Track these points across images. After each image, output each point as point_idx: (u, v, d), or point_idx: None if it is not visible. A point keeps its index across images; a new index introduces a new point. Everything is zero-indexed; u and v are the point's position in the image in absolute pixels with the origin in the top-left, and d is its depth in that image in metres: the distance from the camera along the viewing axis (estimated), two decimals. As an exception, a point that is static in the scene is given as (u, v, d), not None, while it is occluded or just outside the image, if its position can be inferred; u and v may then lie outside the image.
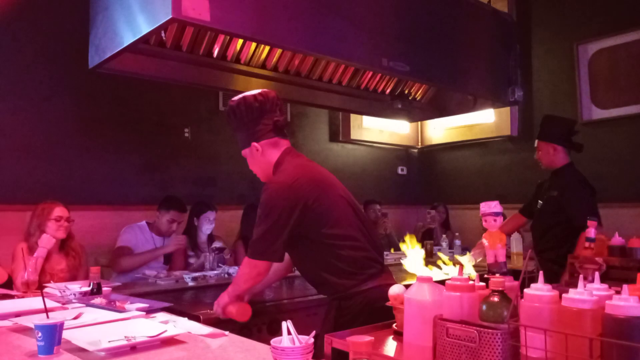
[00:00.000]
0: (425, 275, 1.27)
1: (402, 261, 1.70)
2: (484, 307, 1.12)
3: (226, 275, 2.85)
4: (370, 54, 2.66)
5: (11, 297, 2.25)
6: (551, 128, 3.12)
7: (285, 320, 1.18)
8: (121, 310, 1.87)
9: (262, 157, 1.92)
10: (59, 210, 2.70)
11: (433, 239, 4.43)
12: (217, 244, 3.30)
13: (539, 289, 1.10)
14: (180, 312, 1.90)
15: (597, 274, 1.18)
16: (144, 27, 2.08)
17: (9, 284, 2.63)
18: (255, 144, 1.90)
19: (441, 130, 5.54)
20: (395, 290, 1.50)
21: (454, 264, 1.71)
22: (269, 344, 1.17)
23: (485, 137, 5.04)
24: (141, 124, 3.83)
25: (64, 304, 2.04)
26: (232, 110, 1.93)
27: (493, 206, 1.37)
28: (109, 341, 1.43)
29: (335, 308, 1.85)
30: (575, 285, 1.09)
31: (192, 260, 3.31)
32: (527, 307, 1.10)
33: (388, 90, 3.70)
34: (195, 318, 1.85)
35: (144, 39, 2.22)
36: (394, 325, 1.48)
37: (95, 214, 3.53)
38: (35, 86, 3.37)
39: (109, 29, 2.34)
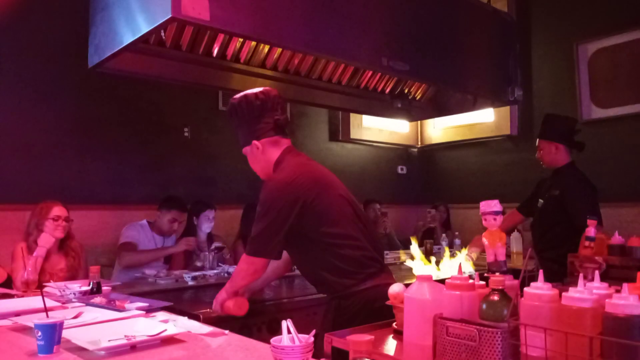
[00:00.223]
0: (425, 274, 1.27)
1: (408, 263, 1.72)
2: (484, 306, 1.12)
3: (226, 275, 2.85)
4: (370, 53, 2.66)
5: (11, 296, 2.25)
6: (553, 127, 3.11)
7: (285, 319, 1.18)
8: (121, 309, 1.87)
9: (263, 155, 1.92)
10: (57, 210, 2.70)
11: (433, 239, 4.43)
12: (216, 244, 3.31)
13: (539, 288, 1.10)
14: (180, 312, 1.90)
15: (597, 273, 1.18)
16: (144, 27, 2.07)
17: (8, 283, 2.63)
18: (255, 142, 1.90)
19: (441, 129, 5.54)
20: (395, 289, 1.50)
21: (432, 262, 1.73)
22: (268, 343, 1.17)
23: (485, 137, 5.04)
24: (141, 124, 3.83)
25: (63, 303, 2.04)
26: (234, 108, 1.93)
27: (493, 205, 1.37)
28: (109, 340, 1.43)
29: (334, 307, 1.85)
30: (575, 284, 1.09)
31: (198, 264, 3.28)
32: (527, 305, 1.10)
33: (388, 90, 3.70)
34: (195, 317, 1.85)
35: (144, 39, 2.21)
36: (394, 324, 1.48)
37: (95, 214, 3.53)
38: (34, 86, 3.36)
39: (109, 29, 2.33)
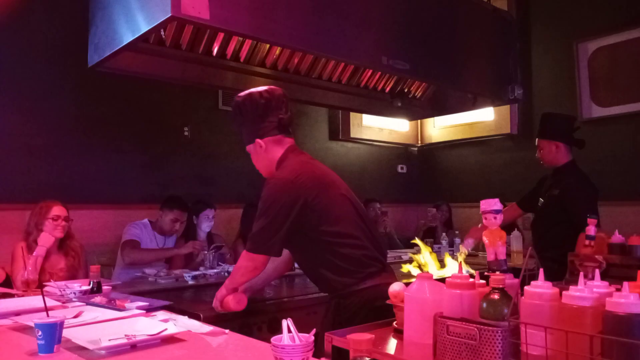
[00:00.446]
0: (426, 273, 1.27)
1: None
2: (484, 305, 1.12)
3: (226, 274, 2.85)
4: (370, 52, 2.66)
5: (11, 295, 2.25)
6: (551, 125, 3.10)
7: (286, 318, 1.18)
8: (121, 308, 1.87)
9: (266, 154, 1.93)
10: (56, 210, 2.70)
11: (434, 238, 4.43)
12: (217, 244, 3.32)
13: (540, 287, 1.10)
14: (180, 311, 1.90)
15: (597, 272, 1.18)
16: (143, 26, 2.07)
17: (7, 283, 2.63)
18: (259, 140, 1.91)
19: (441, 128, 5.54)
20: (395, 288, 1.50)
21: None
22: (269, 342, 1.17)
23: (485, 136, 5.04)
24: (141, 123, 3.82)
25: (64, 302, 2.04)
26: (238, 106, 1.94)
27: (493, 204, 1.38)
28: (109, 340, 1.43)
29: (334, 306, 1.85)
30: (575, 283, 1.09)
31: (201, 268, 3.24)
32: (528, 304, 1.10)
33: (388, 89, 3.69)
34: (196, 316, 1.85)
35: (143, 38, 2.21)
36: (394, 323, 1.48)
37: (95, 213, 3.53)
38: (34, 85, 3.36)
39: (108, 28, 2.33)
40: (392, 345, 1.36)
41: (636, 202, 3.82)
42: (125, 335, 1.46)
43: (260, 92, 1.91)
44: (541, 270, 1.15)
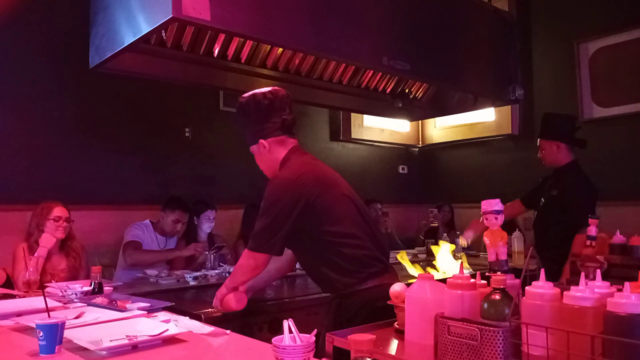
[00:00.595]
0: (426, 274, 1.27)
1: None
2: (486, 305, 1.12)
3: (226, 275, 2.85)
4: (371, 52, 2.66)
5: (13, 296, 2.25)
6: (553, 125, 3.10)
7: (287, 319, 1.18)
8: (122, 309, 1.87)
9: (269, 154, 1.93)
10: (58, 210, 2.70)
11: (436, 238, 4.43)
12: (218, 245, 3.32)
13: (541, 287, 1.10)
14: (181, 312, 1.90)
15: (598, 272, 1.18)
16: (144, 27, 2.08)
17: (9, 284, 2.63)
18: (262, 141, 1.92)
19: (442, 129, 5.54)
20: (396, 288, 1.50)
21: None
22: (270, 342, 1.17)
23: (486, 136, 5.04)
24: (142, 124, 3.83)
25: (65, 303, 2.04)
26: (242, 107, 1.95)
27: (494, 204, 1.38)
28: (111, 340, 1.43)
29: (335, 306, 1.86)
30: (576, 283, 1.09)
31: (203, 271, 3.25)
32: (529, 304, 1.10)
33: (389, 89, 3.69)
34: (197, 317, 1.85)
35: (145, 39, 2.21)
36: (395, 323, 1.48)
37: (96, 214, 3.53)
38: (35, 86, 3.37)
39: (109, 29, 2.34)
40: (393, 345, 1.36)
41: (637, 202, 3.81)
42: (127, 336, 1.47)
43: (264, 93, 1.92)
44: (542, 271, 1.15)
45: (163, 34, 2.55)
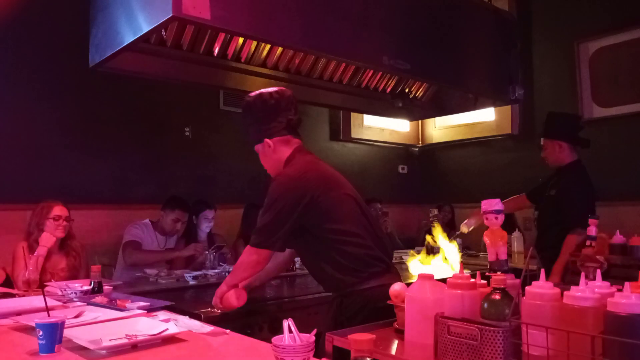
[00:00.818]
0: (427, 273, 1.27)
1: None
2: (486, 305, 1.12)
3: (226, 274, 2.85)
4: (371, 52, 2.66)
5: (12, 295, 2.25)
6: (556, 125, 3.10)
7: (286, 318, 1.18)
8: (122, 308, 1.87)
9: (274, 153, 1.95)
10: (57, 210, 2.70)
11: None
12: (217, 244, 3.32)
13: (541, 287, 1.10)
14: (181, 311, 1.90)
15: (598, 272, 1.18)
16: (144, 26, 2.07)
17: (8, 283, 2.63)
18: (268, 140, 1.93)
19: (442, 128, 5.54)
20: (396, 288, 1.50)
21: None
22: (270, 342, 1.17)
23: (486, 136, 5.04)
24: (142, 123, 3.82)
25: (65, 302, 2.04)
26: (248, 105, 1.96)
27: (494, 204, 1.38)
28: (110, 340, 1.43)
29: (336, 305, 1.86)
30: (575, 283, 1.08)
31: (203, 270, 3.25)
32: (529, 304, 1.10)
33: (389, 89, 3.69)
34: (196, 316, 1.85)
35: (144, 38, 2.21)
36: (395, 323, 1.48)
37: (96, 213, 3.53)
38: (35, 85, 3.36)
39: (109, 28, 2.33)
40: (393, 345, 1.36)
41: (637, 202, 3.81)
42: (126, 335, 1.46)
43: (270, 93, 1.93)
44: (542, 271, 1.15)
45: (163, 33, 2.54)
